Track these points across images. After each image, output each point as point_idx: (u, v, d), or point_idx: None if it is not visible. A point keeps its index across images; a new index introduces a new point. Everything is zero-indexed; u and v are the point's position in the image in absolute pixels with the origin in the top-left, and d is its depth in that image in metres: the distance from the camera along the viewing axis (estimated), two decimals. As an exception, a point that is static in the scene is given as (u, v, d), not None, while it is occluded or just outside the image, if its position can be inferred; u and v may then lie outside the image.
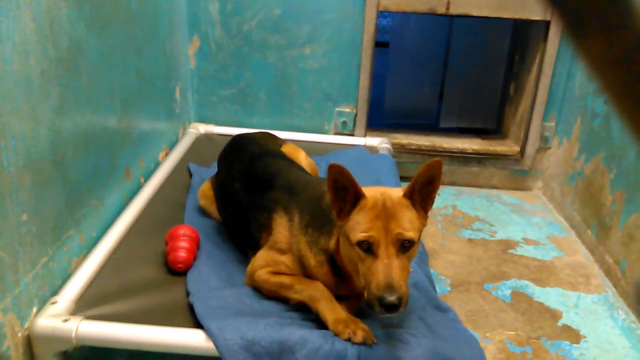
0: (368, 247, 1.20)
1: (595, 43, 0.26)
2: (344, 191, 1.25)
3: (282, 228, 1.46)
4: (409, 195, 1.26)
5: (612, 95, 0.28)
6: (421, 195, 1.27)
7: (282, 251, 1.45)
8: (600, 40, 0.26)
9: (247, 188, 1.63)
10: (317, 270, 1.38)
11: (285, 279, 1.42)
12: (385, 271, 1.17)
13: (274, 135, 1.99)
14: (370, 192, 1.26)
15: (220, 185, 1.78)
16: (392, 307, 1.14)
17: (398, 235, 1.20)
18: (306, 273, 1.41)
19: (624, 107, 0.28)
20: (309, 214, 1.42)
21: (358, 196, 1.25)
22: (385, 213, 1.21)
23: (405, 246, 1.21)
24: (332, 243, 1.34)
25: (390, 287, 1.15)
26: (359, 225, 1.21)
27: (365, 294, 1.20)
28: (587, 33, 0.27)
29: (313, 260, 1.38)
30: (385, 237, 1.20)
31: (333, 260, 1.36)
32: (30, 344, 1.31)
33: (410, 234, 1.21)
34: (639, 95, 0.27)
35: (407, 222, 1.22)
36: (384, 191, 1.27)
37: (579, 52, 0.27)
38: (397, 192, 1.28)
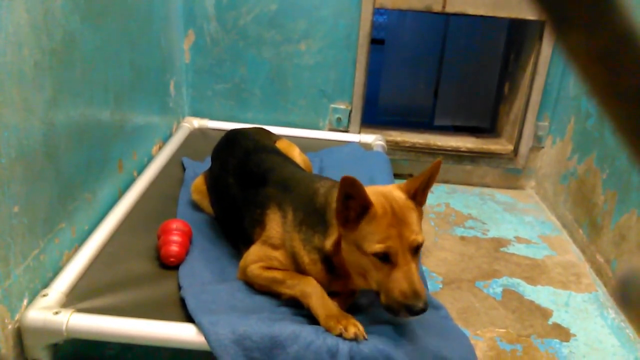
0: (385, 257, 1.21)
1: (578, 38, 0.27)
2: (350, 199, 1.24)
3: (275, 224, 1.46)
4: (413, 196, 1.29)
5: (595, 91, 0.28)
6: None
7: (275, 247, 1.45)
8: (584, 34, 0.26)
9: (241, 183, 1.63)
10: (311, 267, 1.38)
11: (277, 274, 1.42)
12: (408, 279, 1.19)
13: (269, 131, 1.99)
14: (374, 197, 1.25)
15: (214, 179, 1.77)
16: (420, 312, 1.18)
17: (413, 242, 1.22)
18: (299, 269, 1.41)
19: (607, 102, 0.28)
20: (303, 212, 1.42)
21: (366, 205, 1.23)
22: (396, 220, 1.22)
23: (417, 249, 1.24)
24: (328, 244, 1.33)
25: (416, 294, 1.17)
26: (374, 236, 1.21)
27: (384, 300, 1.22)
28: (571, 27, 0.27)
29: (307, 258, 1.38)
30: (401, 245, 1.21)
31: (326, 259, 1.36)
32: (20, 336, 1.30)
33: (422, 237, 1.24)
34: (621, 91, 0.27)
35: (416, 225, 1.25)
36: (386, 194, 1.27)
37: (562, 46, 0.27)
38: (397, 192, 1.29)
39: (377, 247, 1.20)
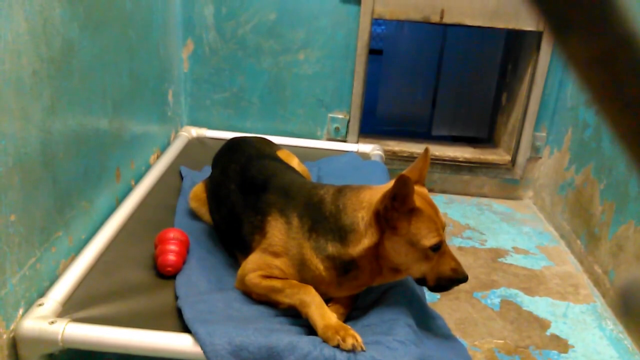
0: (438, 247, 1.32)
1: (578, 42, 0.27)
2: (395, 201, 1.30)
3: (278, 231, 1.45)
4: (420, 181, 1.42)
5: (594, 97, 0.28)
6: None
7: (276, 254, 1.44)
8: (583, 37, 0.26)
9: (242, 189, 1.62)
10: (325, 274, 1.39)
11: (276, 283, 1.41)
12: (453, 258, 1.37)
13: (270, 141, 1.99)
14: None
15: (215, 185, 1.77)
16: (467, 278, 1.38)
17: (444, 225, 1.37)
18: (305, 276, 1.41)
19: (607, 108, 0.28)
20: (310, 219, 1.42)
21: (412, 206, 1.30)
22: (433, 211, 1.34)
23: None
24: (355, 251, 1.35)
25: (462, 268, 1.37)
26: (428, 232, 1.31)
27: (433, 282, 1.37)
28: (570, 32, 0.27)
29: (321, 265, 1.38)
30: (443, 232, 1.35)
31: (343, 264, 1.37)
32: (15, 346, 1.29)
33: None
34: (621, 96, 0.27)
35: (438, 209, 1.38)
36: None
37: (561, 51, 0.27)
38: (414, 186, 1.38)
39: (434, 240, 1.31)
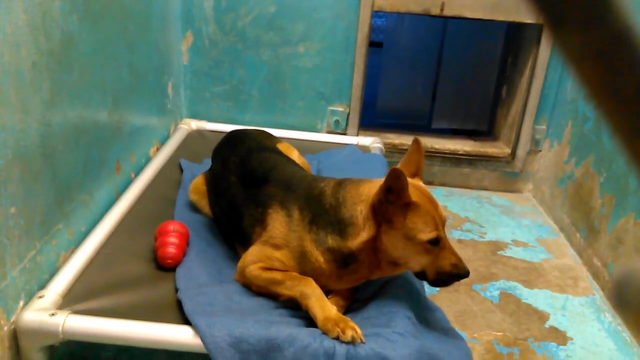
0: (436, 241, 1.31)
1: (575, 37, 0.27)
2: (390, 194, 1.29)
3: (279, 224, 1.46)
4: (417, 174, 1.43)
5: (592, 92, 0.28)
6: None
7: (277, 247, 1.44)
8: (580, 32, 0.26)
9: (243, 182, 1.62)
10: (325, 267, 1.39)
11: (276, 275, 1.42)
12: (454, 253, 1.35)
13: (270, 134, 1.99)
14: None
15: (215, 178, 1.77)
16: (468, 274, 1.36)
17: (445, 220, 1.36)
18: (305, 269, 1.41)
19: (604, 104, 0.28)
20: (311, 212, 1.42)
21: (409, 198, 1.29)
22: (431, 205, 1.33)
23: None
24: (354, 245, 1.35)
25: (462, 263, 1.35)
26: (425, 225, 1.30)
27: (433, 276, 1.35)
28: (567, 27, 0.27)
29: (321, 257, 1.39)
30: (441, 226, 1.33)
31: (342, 257, 1.38)
32: (16, 337, 1.30)
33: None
34: (618, 91, 0.27)
35: (438, 203, 1.36)
36: (410, 182, 1.33)
37: (559, 46, 0.27)
38: (411, 179, 1.37)
39: (431, 235, 1.30)
